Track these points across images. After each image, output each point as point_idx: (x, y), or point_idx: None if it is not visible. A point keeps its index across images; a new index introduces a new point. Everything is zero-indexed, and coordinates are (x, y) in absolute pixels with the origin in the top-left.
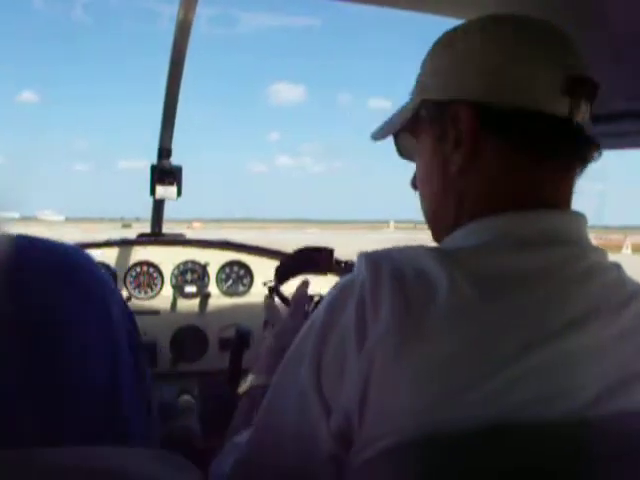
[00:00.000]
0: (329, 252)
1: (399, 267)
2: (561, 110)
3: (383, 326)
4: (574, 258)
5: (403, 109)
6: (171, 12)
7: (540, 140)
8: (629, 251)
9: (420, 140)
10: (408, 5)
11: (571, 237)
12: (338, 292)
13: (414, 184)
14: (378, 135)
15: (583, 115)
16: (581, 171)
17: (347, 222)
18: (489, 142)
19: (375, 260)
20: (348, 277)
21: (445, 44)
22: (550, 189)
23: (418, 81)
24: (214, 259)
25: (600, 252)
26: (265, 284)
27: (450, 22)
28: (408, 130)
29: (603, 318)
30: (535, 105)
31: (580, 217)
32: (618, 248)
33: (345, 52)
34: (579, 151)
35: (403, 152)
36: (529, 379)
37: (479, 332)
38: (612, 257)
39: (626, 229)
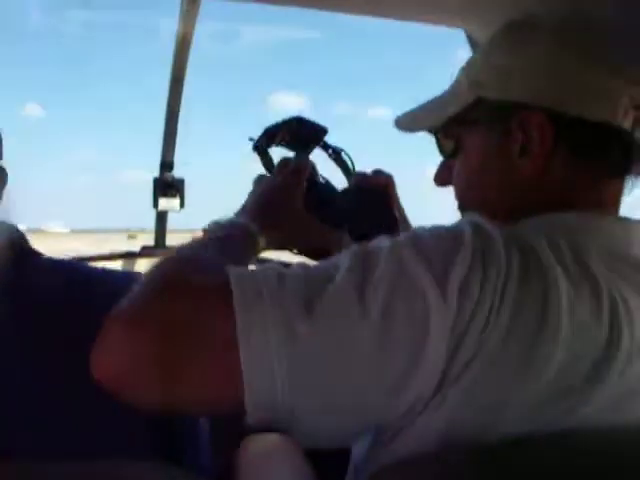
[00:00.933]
0: (324, 130)
1: (518, 240)
2: (627, 124)
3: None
4: None
5: (447, 102)
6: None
7: (609, 155)
8: None
9: (470, 138)
10: (406, 16)
11: None
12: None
13: (444, 180)
14: (411, 126)
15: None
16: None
17: None
18: (559, 152)
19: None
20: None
21: (508, 42)
22: (611, 206)
23: (471, 77)
24: None
25: None
26: (251, 139)
27: (448, 32)
28: (454, 125)
29: None
30: (611, 119)
31: None
32: None
33: (346, 63)
34: (635, 166)
35: (443, 148)
36: (611, 384)
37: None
38: None
39: None
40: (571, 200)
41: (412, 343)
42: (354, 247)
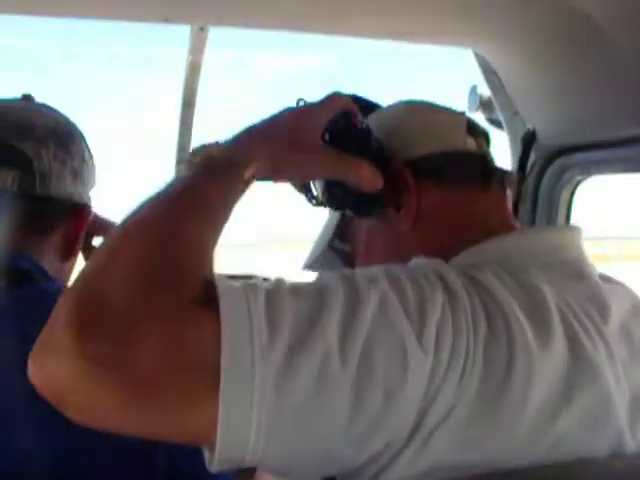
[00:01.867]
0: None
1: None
2: (471, 147)
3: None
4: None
5: (329, 221)
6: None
7: (470, 173)
8: None
9: (355, 233)
10: (416, 38)
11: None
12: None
13: None
14: (317, 261)
15: (486, 151)
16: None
17: None
18: (428, 191)
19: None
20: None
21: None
22: (501, 216)
23: None
24: None
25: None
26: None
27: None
28: (341, 228)
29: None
30: (453, 147)
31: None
32: None
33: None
34: (500, 180)
35: (344, 251)
36: (586, 400)
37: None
38: None
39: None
40: (474, 225)
41: (387, 391)
42: (340, 281)
